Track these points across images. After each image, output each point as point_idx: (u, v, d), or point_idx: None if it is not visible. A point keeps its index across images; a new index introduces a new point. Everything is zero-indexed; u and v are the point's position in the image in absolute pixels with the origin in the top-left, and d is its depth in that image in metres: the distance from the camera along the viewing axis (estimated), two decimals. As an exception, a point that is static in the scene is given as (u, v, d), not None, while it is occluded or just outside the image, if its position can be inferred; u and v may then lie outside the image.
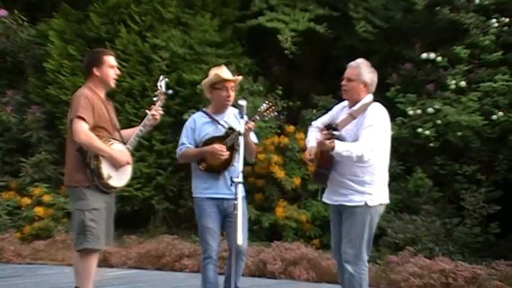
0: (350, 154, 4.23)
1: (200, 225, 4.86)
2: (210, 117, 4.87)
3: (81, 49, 8.48)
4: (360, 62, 4.53)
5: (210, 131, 4.83)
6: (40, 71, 8.79)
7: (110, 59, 4.70)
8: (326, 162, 4.41)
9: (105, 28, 8.47)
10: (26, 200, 8.18)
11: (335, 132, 4.15)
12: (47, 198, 8.12)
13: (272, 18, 7.95)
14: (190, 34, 8.49)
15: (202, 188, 4.84)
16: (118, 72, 4.75)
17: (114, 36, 8.40)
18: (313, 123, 4.79)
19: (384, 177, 4.51)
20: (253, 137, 4.88)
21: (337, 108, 4.69)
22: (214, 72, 4.88)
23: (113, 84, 4.73)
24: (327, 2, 8.32)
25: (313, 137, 4.64)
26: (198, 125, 4.86)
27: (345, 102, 4.61)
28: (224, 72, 4.87)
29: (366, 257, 4.46)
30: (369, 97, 4.50)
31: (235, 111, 4.79)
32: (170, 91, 4.96)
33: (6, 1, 9.15)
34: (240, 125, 4.45)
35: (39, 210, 8.05)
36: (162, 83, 4.87)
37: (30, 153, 8.62)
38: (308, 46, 8.30)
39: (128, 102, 8.14)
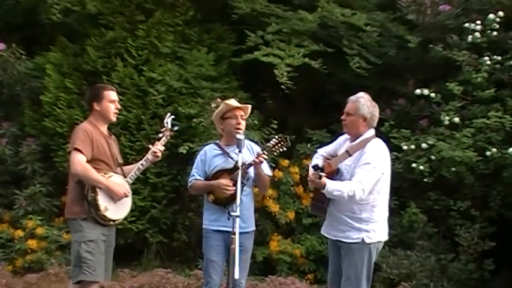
0: (341, 194, 4.24)
1: (205, 258, 4.90)
2: (222, 149, 4.93)
3: (77, 82, 8.53)
4: (360, 96, 4.53)
5: (219, 163, 4.90)
6: (36, 103, 8.81)
7: (110, 94, 4.78)
8: (320, 196, 4.42)
9: (101, 62, 8.53)
10: (19, 233, 8.10)
11: (322, 174, 4.16)
12: (40, 230, 8.06)
13: (268, 53, 8.05)
14: (186, 68, 8.56)
15: (210, 220, 4.90)
16: (118, 106, 4.82)
17: (111, 70, 8.45)
18: (318, 150, 4.83)
19: (383, 215, 4.52)
20: (266, 169, 4.92)
21: (341, 139, 4.72)
22: (223, 103, 5.01)
23: (113, 118, 4.81)
24: (321, 38, 8.44)
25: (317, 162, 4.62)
26: (208, 157, 4.93)
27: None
28: (233, 102, 5.00)
29: None
30: (370, 132, 4.49)
31: (249, 143, 4.90)
32: (176, 127, 5.02)
33: (4, 34, 9.21)
34: (251, 156, 4.56)
35: (32, 243, 7.97)
36: (168, 120, 4.95)
37: (25, 185, 8.57)
38: (302, 81, 8.38)
39: (123, 135, 8.16)
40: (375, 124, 4.53)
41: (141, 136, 8.15)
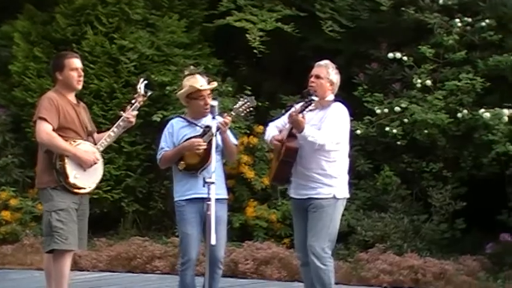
0: (314, 140, 4.44)
1: (180, 231, 4.85)
2: (188, 121, 4.89)
3: (47, 51, 8.38)
4: (328, 62, 4.75)
5: (187, 133, 4.84)
6: (5, 73, 8.66)
7: (72, 62, 4.68)
8: (292, 151, 4.55)
9: (71, 30, 8.39)
10: (-7, 204, 8.06)
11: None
12: (14, 202, 8.01)
13: (240, 18, 7.98)
14: (158, 35, 8.46)
15: (182, 191, 4.80)
16: (81, 73, 4.71)
17: (81, 38, 8.32)
18: (271, 123, 4.93)
19: (346, 173, 4.73)
20: (232, 138, 4.90)
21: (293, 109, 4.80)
22: (188, 83, 4.85)
23: (77, 86, 4.71)
24: (293, 3, 8.39)
25: (273, 133, 4.78)
26: (175, 129, 4.87)
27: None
28: (198, 81, 4.84)
29: (330, 251, 4.59)
30: (332, 96, 4.72)
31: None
32: (149, 93, 4.94)
33: (-31, 3, 9.01)
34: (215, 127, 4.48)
35: (6, 215, 7.93)
36: (141, 85, 4.85)
37: (-3, 156, 8.49)
38: (275, 46, 8.35)
39: (96, 104, 8.08)
40: (336, 90, 4.74)
41: (114, 105, 8.08)
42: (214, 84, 4.98)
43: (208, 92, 4.85)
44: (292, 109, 4.52)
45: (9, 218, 7.93)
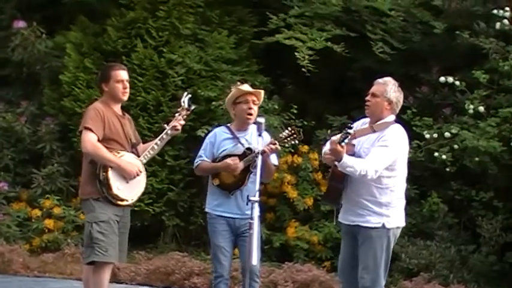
0: (353, 171, 4.17)
1: (212, 243, 4.82)
2: (232, 133, 4.84)
3: (97, 62, 8.47)
4: (388, 79, 4.46)
5: (229, 147, 4.79)
6: (56, 83, 8.78)
7: (118, 74, 4.70)
8: (338, 175, 4.34)
9: (122, 42, 8.48)
10: (37, 212, 8.12)
11: (350, 131, 4.07)
12: (57, 210, 8.07)
13: (290, 36, 7.93)
14: (206, 50, 8.48)
15: (214, 205, 4.81)
16: (127, 85, 4.72)
17: (131, 51, 8.40)
18: (332, 138, 4.74)
19: (401, 200, 4.45)
20: (273, 159, 4.81)
21: (356, 124, 4.60)
22: (235, 88, 4.89)
23: (123, 97, 4.73)
24: (344, 23, 8.30)
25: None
26: (218, 140, 4.84)
27: (366, 119, 4.52)
28: (245, 87, 4.89)
29: (383, 282, 4.38)
30: (391, 117, 4.43)
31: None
32: (193, 107, 4.94)
33: (25, 13, 9.19)
34: (259, 143, 4.41)
35: (49, 223, 7.99)
36: (185, 99, 4.85)
37: (43, 164, 8.58)
38: (324, 66, 8.26)
39: (142, 116, 8.13)
40: (397, 111, 4.47)
41: (160, 118, 8.09)
42: (261, 90, 4.92)
43: (254, 97, 4.80)
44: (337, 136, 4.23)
45: (52, 227, 7.99)
